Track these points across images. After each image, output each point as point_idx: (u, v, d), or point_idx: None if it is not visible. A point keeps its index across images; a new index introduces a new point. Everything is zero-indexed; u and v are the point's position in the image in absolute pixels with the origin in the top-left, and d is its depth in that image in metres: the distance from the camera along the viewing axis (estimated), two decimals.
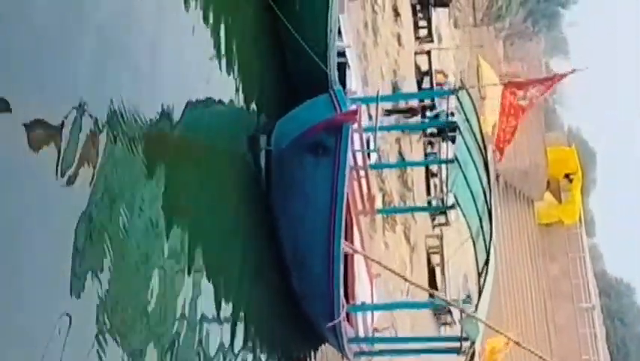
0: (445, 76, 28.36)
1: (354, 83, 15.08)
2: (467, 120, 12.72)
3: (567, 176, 47.47)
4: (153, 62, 6.84)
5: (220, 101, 9.75)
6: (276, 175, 10.36)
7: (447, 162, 16.41)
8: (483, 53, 30.50)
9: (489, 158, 13.13)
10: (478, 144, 12.81)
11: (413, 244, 23.09)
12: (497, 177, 43.24)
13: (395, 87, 24.23)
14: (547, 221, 47.12)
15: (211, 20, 9.47)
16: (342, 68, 14.63)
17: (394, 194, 22.93)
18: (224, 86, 10.30)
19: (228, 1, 11.08)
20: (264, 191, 10.50)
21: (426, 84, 27.75)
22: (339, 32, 13.96)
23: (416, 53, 27.24)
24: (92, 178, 5.35)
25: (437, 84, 28.06)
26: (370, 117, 14.23)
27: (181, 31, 7.94)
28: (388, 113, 22.79)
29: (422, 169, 26.16)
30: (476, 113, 12.64)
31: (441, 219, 27.38)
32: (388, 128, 18.69)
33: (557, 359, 35.02)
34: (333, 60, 12.56)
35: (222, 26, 10.25)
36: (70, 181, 5.06)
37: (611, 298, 72.02)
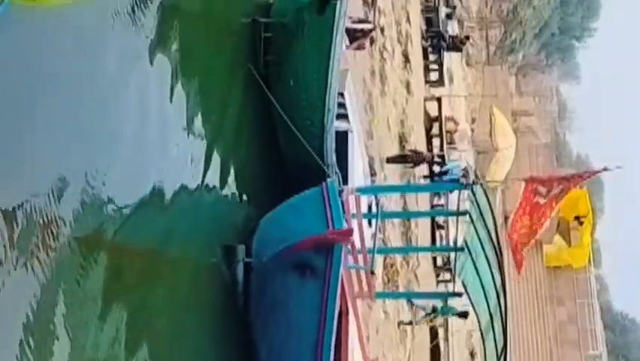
0: (456, 124, 26.90)
1: (355, 165, 13.54)
2: (482, 216, 11.26)
3: (577, 218, 45.74)
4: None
5: (199, 190, 8.63)
6: (255, 294, 8.89)
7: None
8: (497, 102, 29.11)
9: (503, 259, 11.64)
10: (492, 243, 11.37)
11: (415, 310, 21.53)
12: (506, 218, 41.65)
13: (402, 138, 22.78)
14: (556, 264, 45.41)
15: (197, 99, 8.65)
16: (344, 134, 13.21)
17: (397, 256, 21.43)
18: (204, 174, 8.94)
19: (217, 79, 9.72)
20: (240, 309, 9.03)
21: (435, 130, 26.36)
22: (343, 105, 12.53)
23: (426, 100, 25.78)
24: None
25: (447, 132, 26.64)
26: (370, 208, 12.74)
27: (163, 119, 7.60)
28: (389, 161, 21.02)
29: (427, 229, 24.59)
30: (491, 210, 11.17)
31: (445, 275, 25.79)
32: (392, 216, 17.09)
33: None
34: (330, 144, 11.14)
35: (207, 104, 9.20)
36: None
37: (616, 335, 70.17)
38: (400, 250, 18.55)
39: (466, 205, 12.13)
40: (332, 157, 11.44)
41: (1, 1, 4.43)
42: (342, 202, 9.60)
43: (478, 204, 11.08)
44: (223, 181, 9.58)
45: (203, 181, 8.82)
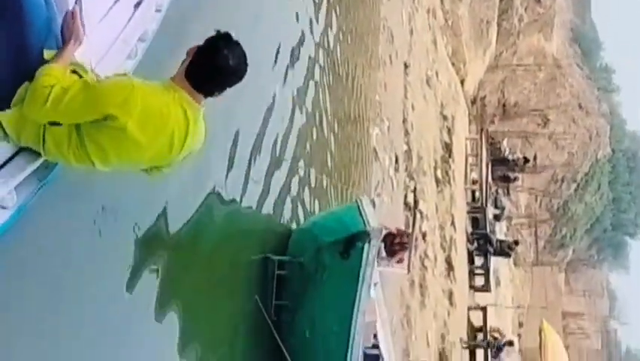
0: (502, 335, 24.64)
1: None
2: None
3: None
4: None
5: None
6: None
7: None
8: (546, 309, 26.93)
9: None
10: None
11: None
12: None
13: (442, 355, 20.59)
14: None
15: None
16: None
17: None
18: None
19: (222, 327, 8.05)
20: None
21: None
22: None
23: (470, 309, 23.70)
24: None
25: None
26: None
27: None
28: None
29: None
30: None
31: None
32: None
33: None
34: None
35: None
36: None
37: None
38: None
39: None
40: None
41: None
42: None
43: None
44: None
45: None
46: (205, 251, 7.79)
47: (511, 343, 24.64)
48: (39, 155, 3.72)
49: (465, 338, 22.80)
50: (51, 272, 4.86)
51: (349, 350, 8.84)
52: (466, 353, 22.39)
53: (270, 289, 9.08)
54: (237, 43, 3.73)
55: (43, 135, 3.64)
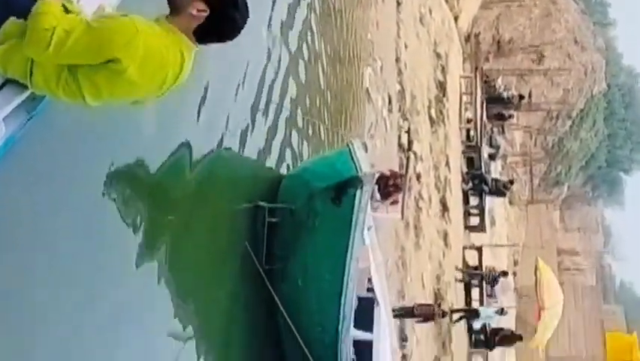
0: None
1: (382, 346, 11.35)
2: None
3: None
4: None
5: None
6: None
7: None
8: (542, 247, 26.89)
9: None
10: None
11: None
12: None
13: (437, 296, 20.50)
14: None
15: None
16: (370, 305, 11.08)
17: None
18: None
19: (208, 274, 7.87)
20: None
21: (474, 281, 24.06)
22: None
23: (465, 248, 23.60)
24: None
25: (487, 284, 24.33)
26: None
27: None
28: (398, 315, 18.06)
29: None
30: None
31: None
32: None
33: None
34: (346, 356, 9.00)
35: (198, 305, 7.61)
36: None
37: None
38: None
39: None
40: None
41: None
42: None
43: None
44: None
45: None
46: (193, 199, 7.53)
47: (505, 273, 24.42)
48: (26, 87, 3.67)
49: (460, 268, 22.61)
50: (38, 209, 4.78)
51: (343, 297, 8.66)
52: (462, 294, 22.35)
53: (261, 238, 8.85)
54: (246, 8, 3.75)
55: (31, 69, 3.58)
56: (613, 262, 70.77)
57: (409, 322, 18.20)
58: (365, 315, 10.14)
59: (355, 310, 9.31)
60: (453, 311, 19.95)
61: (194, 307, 7.55)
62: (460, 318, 20.53)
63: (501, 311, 21.36)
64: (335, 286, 8.60)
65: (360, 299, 9.73)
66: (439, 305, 19.57)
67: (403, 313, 17.17)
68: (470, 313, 21.07)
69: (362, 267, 8.88)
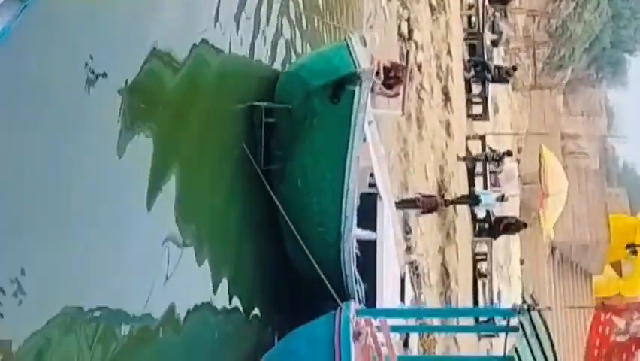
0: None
1: (385, 237, 11.31)
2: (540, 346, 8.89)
3: (630, 246, 42.84)
4: None
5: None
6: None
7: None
8: (545, 133, 26.62)
9: None
10: None
11: None
12: (553, 249, 39.12)
13: (441, 187, 20.38)
14: (606, 295, 42.63)
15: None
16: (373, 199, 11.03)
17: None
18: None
19: (206, 177, 7.68)
20: None
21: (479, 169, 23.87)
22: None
23: (468, 138, 23.34)
24: None
25: (491, 172, 24.15)
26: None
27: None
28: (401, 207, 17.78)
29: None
30: (552, 344, 8.80)
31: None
32: (423, 330, 14.53)
33: None
34: (349, 254, 8.92)
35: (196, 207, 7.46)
36: None
37: None
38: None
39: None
40: (351, 267, 9.23)
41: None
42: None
43: (538, 337, 8.75)
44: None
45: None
46: (188, 99, 7.24)
47: (509, 153, 23.77)
48: None
49: (462, 156, 22.19)
50: (31, 106, 4.66)
51: (344, 197, 8.49)
52: (465, 184, 22.20)
53: (259, 138, 8.60)
54: None
55: None
56: (616, 143, 70.55)
57: (412, 214, 18.14)
58: (368, 213, 10.04)
59: (358, 209, 9.17)
60: (454, 202, 19.67)
61: (192, 210, 7.38)
62: (460, 202, 20.00)
63: (502, 198, 21.05)
64: (336, 187, 8.42)
65: (362, 196, 9.58)
66: (443, 196, 19.44)
67: (406, 205, 17.03)
68: (471, 199, 20.60)
69: (363, 166, 8.66)
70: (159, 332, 6.42)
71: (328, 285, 7.76)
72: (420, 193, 17.46)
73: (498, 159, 22.85)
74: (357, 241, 9.26)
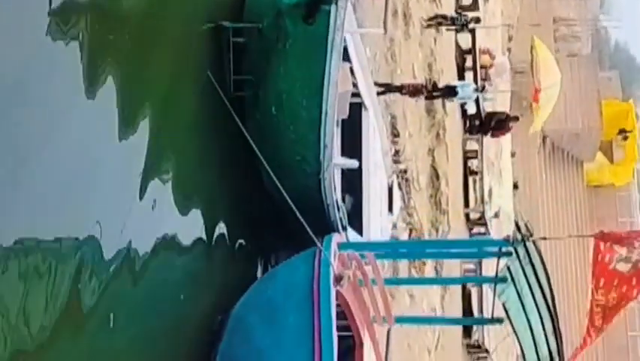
0: (492, 57, 23.55)
1: (371, 146, 10.80)
2: (536, 276, 8.42)
3: (621, 132, 42.41)
4: None
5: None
6: None
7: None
8: (539, 32, 25.62)
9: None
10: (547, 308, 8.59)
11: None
12: (544, 138, 38.69)
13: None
14: (597, 183, 42.56)
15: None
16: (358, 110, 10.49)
17: (424, 221, 18.71)
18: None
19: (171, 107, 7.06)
20: None
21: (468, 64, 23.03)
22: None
23: (457, 31, 22.35)
24: None
25: (482, 67, 23.29)
26: None
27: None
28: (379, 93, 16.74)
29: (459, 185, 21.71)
30: (546, 274, 8.33)
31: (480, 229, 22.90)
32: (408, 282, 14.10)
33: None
34: (330, 183, 8.34)
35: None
36: None
37: None
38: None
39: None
40: (332, 196, 8.64)
41: None
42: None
43: (533, 266, 8.29)
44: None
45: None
46: (141, 19, 6.48)
47: (478, 20, 21.68)
48: None
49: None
50: None
51: (322, 125, 7.80)
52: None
53: (227, 63, 7.84)
54: None
55: None
56: (608, 24, 69.19)
57: (400, 117, 17.47)
58: (353, 128, 9.55)
59: (341, 133, 8.57)
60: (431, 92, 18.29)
61: (164, 143, 6.81)
62: (438, 96, 18.74)
63: (482, 89, 19.82)
64: (313, 114, 7.73)
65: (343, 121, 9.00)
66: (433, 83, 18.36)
67: (390, 89, 16.18)
68: (448, 91, 19.15)
69: (342, 91, 7.93)
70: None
71: (304, 222, 7.10)
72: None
73: (464, 23, 20.82)
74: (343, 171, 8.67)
